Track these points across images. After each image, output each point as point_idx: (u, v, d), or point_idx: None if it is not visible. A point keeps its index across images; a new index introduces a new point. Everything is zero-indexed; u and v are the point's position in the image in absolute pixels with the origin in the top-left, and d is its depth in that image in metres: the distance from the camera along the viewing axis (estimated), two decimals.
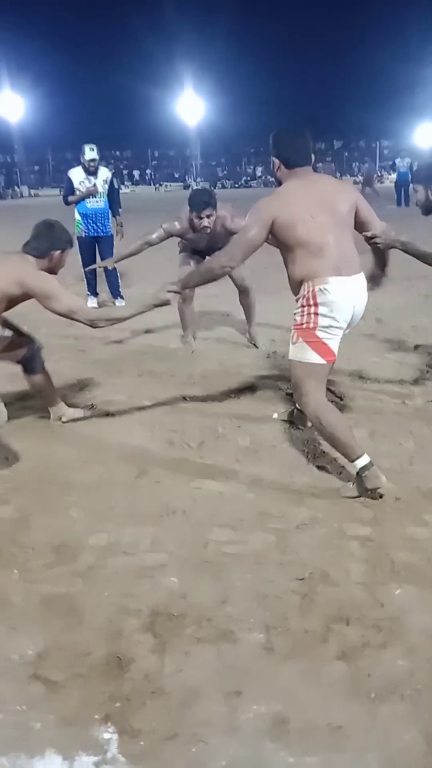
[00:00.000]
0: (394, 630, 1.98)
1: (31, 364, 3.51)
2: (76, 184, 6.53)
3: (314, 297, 2.66)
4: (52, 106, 48.62)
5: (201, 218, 4.29)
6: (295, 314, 2.77)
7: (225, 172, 54.13)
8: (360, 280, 2.78)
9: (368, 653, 1.90)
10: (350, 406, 3.74)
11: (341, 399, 3.78)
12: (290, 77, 61.84)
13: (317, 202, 2.71)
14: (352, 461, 2.69)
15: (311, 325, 2.69)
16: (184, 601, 2.15)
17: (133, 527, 2.58)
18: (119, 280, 6.80)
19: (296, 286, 2.77)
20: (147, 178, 51.81)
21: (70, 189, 6.57)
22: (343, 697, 1.75)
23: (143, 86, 50.48)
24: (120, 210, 6.77)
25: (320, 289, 2.65)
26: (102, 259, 6.29)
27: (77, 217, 6.62)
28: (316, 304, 2.67)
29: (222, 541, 2.48)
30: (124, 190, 41.93)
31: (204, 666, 1.87)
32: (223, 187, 44.91)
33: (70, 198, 6.57)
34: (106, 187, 6.59)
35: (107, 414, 3.75)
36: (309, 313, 2.69)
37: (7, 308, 3.17)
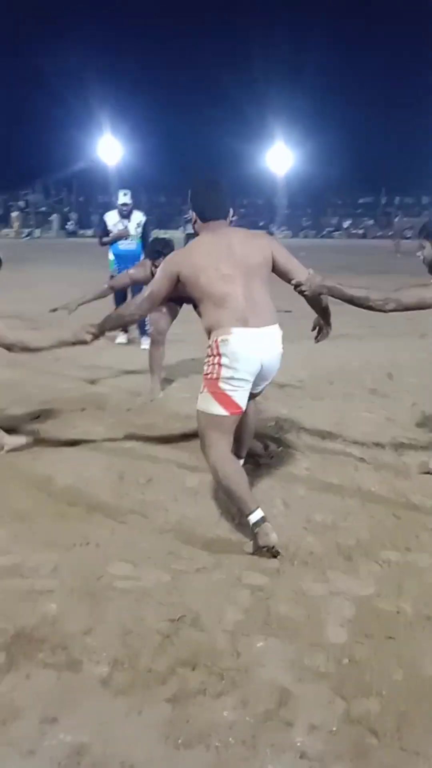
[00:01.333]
0: (236, 681, 1.96)
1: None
2: (110, 226, 6.88)
3: (217, 347, 2.68)
4: (147, 152, 50.93)
5: (156, 266, 4.45)
6: (204, 363, 2.79)
7: (309, 222, 54.67)
8: (269, 332, 2.76)
9: (199, 700, 1.89)
10: (305, 454, 3.72)
11: (270, 456, 3.72)
12: (377, 129, 62.12)
13: (224, 254, 2.73)
14: (246, 516, 2.65)
15: (215, 375, 2.70)
16: (51, 627, 2.20)
17: (42, 553, 2.67)
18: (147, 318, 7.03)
19: (207, 336, 2.79)
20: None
21: (104, 231, 6.94)
22: (153, 739, 1.75)
23: (234, 139, 52.27)
24: None
25: (222, 340, 2.67)
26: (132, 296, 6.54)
27: (111, 257, 6.98)
28: (219, 354, 2.68)
29: (117, 575, 2.53)
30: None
31: (37, 689, 1.92)
32: (306, 236, 45.39)
33: (104, 239, 6.92)
34: (139, 230, 6.89)
35: (65, 444, 3.87)
36: (213, 363, 2.70)
37: None
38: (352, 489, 3.32)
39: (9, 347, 3.32)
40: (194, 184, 2.93)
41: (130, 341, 7.24)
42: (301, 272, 2.87)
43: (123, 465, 3.58)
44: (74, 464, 3.58)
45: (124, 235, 6.79)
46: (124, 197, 6.73)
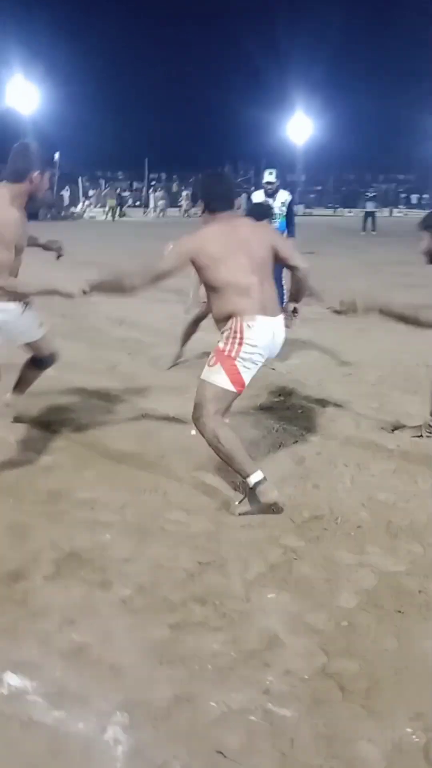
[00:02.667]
0: (235, 621, 2.16)
1: (45, 363, 3.61)
2: None
3: (241, 330, 2.80)
4: (337, 129, 49.88)
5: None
6: (219, 342, 2.88)
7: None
8: (279, 321, 2.96)
9: (197, 630, 2.11)
10: (388, 437, 3.70)
11: None
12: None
13: (238, 245, 2.84)
14: (247, 477, 2.77)
15: (233, 353, 2.80)
16: (100, 552, 2.56)
17: (116, 492, 3.03)
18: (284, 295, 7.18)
19: (222, 320, 2.90)
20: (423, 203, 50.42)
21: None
22: (143, 653, 2.01)
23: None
24: (295, 231, 7.14)
25: (248, 325, 2.80)
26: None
27: None
28: (242, 337, 2.80)
29: (171, 519, 2.81)
30: (396, 214, 42.05)
31: (69, 597, 2.27)
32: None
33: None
34: (284, 209, 6.98)
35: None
36: (234, 343, 2.80)
37: None
38: (426, 473, 3.27)
39: None
40: (202, 178, 3.09)
41: None
42: (297, 259, 3.02)
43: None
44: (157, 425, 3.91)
45: None
46: (269, 176, 6.86)
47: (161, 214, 31.96)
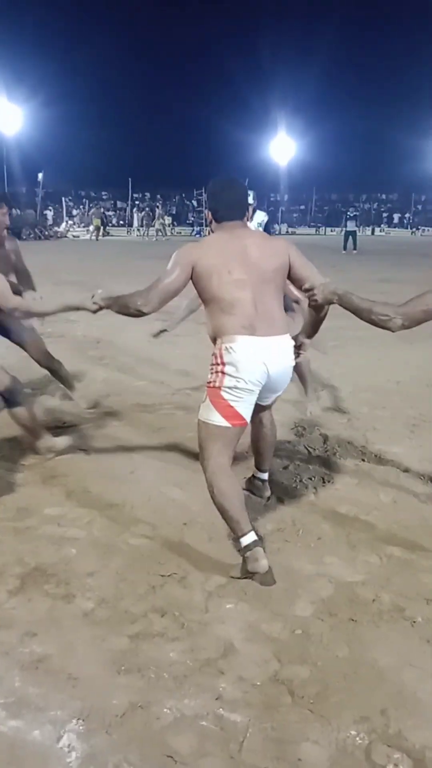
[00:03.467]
0: (193, 631, 2.22)
1: (13, 396, 3.44)
2: None
3: (221, 355, 2.57)
4: (321, 150, 50.68)
5: None
6: (208, 372, 2.66)
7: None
8: (277, 342, 2.62)
9: (155, 641, 2.17)
10: (352, 452, 3.79)
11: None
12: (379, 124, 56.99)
13: (238, 257, 2.60)
14: (238, 538, 2.54)
15: (217, 383, 2.57)
16: (64, 566, 2.61)
17: (84, 509, 3.09)
18: None
19: (212, 341, 2.67)
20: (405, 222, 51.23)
21: None
22: (102, 663, 2.07)
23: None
24: None
25: (226, 348, 2.55)
26: None
27: None
28: (222, 363, 2.56)
29: (136, 533, 2.87)
30: (378, 233, 42.75)
31: (32, 610, 2.32)
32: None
33: None
34: (260, 229, 7.15)
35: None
36: (216, 372, 2.59)
37: None
38: (389, 487, 3.36)
39: (11, 311, 3.17)
40: (211, 183, 2.83)
41: None
42: (317, 279, 2.66)
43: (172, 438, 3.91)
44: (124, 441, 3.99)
45: None
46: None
47: (159, 233, 32.21)
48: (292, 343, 2.74)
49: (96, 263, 16.40)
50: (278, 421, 4.07)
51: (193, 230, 37.82)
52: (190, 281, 2.64)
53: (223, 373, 2.57)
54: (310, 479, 3.46)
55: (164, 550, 2.74)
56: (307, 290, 2.67)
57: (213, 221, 2.80)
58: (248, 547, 2.50)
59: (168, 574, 2.55)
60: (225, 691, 1.94)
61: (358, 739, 1.77)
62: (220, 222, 2.76)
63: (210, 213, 2.82)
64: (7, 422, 3.72)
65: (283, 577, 2.54)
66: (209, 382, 2.63)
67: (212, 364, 2.63)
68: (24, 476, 3.45)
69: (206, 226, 2.97)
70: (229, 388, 2.57)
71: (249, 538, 2.52)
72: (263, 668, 2.04)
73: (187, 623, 2.26)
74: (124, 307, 2.70)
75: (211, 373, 2.63)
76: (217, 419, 2.58)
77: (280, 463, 3.66)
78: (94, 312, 2.91)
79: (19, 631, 2.20)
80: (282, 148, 44.15)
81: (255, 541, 2.52)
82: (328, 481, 3.44)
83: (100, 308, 2.87)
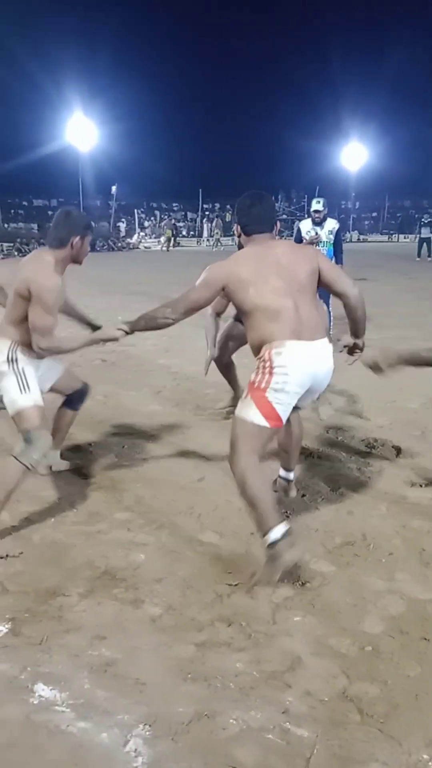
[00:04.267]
0: (260, 642, 2.20)
1: (77, 401, 3.52)
2: (303, 234, 7.18)
3: (270, 359, 2.61)
4: (391, 156, 49.81)
5: None
6: (252, 373, 2.70)
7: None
8: (321, 346, 2.69)
9: (222, 650, 2.17)
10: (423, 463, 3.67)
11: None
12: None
13: (272, 267, 2.68)
14: (264, 534, 2.50)
15: (263, 384, 2.61)
16: (132, 571, 2.64)
17: (153, 515, 3.13)
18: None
19: (256, 349, 2.73)
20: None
21: (298, 238, 7.26)
22: (168, 669, 2.08)
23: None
24: (343, 258, 7.20)
25: (277, 352, 2.61)
26: None
27: None
28: (272, 366, 2.60)
29: (203, 541, 2.88)
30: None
31: (101, 614, 2.36)
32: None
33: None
34: (332, 237, 7.09)
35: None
36: (264, 373, 2.62)
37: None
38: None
39: (41, 349, 2.95)
40: (240, 199, 2.87)
41: None
42: (346, 282, 2.81)
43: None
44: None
45: (315, 241, 7.04)
46: (317, 205, 6.99)
47: (216, 244, 32.62)
48: (331, 346, 2.79)
49: (164, 274, 16.66)
50: (348, 435, 4.01)
51: None
52: (223, 294, 2.79)
53: (271, 374, 2.61)
54: (385, 493, 3.37)
55: (231, 559, 2.73)
56: (348, 349, 2.99)
57: (242, 235, 2.89)
58: (277, 541, 2.46)
59: (235, 584, 2.54)
60: (291, 705, 1.91)
61: (430, 763, 1.70)
62: (249, 235, 2.85)
63: (239, 227, 2.89)
64: (80, 429, 3.83)
65: (353, 592, 2.48)
66: (253, 382, 2.66)
67: (259, 367, 2.67)
68: (96, 481, 3.52)
69: (236, 239, 3.05)
70: (276, 390, 2.61)
71: (277, 532, 2.47)
72: (331, 684, 2.00)
73: (254, 634, 2.24)
74: (152, 320, 2.87)
75: (257, 372, 2.66)
76: (257, 418, 2.61)
77: (352, 476, 3.59)
78: (119, 338, 3.09)
79: (89, 634, 2.24)
80: (353, 155, 43.64)
81: (286, 532, 2.48)
82: (401, 495, 3.35)
83: (127, 333, 3.03)
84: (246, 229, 2.85)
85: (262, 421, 2.61)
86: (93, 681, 2.02)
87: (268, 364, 2.62)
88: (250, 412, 2.62)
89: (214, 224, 35.24)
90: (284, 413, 2.66)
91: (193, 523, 3.05)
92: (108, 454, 3.91)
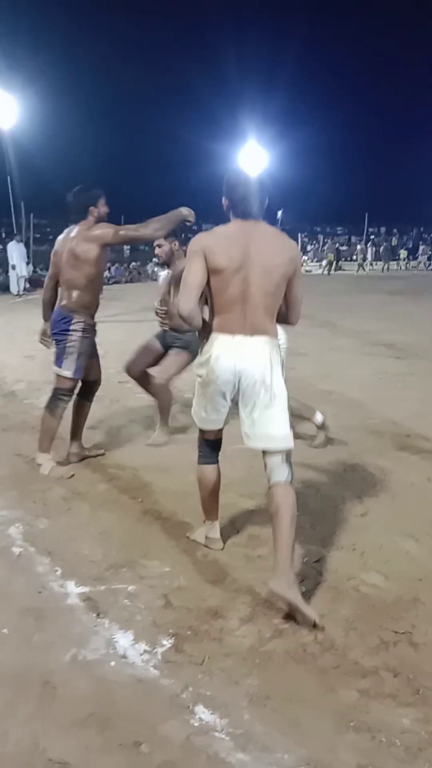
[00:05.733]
0: (429, 700, 2.04)
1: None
2: None
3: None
4: None
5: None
6: None
7: None
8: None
9: (386, 702, 2.04)
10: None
11: None
12: None
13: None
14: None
15: None
16: None
17: (314, 546, 3.06)
18: None
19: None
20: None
21: None
22: (329, 714, 2.00)
23: None
24: None
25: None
26: None
27: None
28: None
29: (367, 582, 2.76)
30: None
31: (256, 643, 2.34)
32: None
33: None
34: None
35: None
36: None
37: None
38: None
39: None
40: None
41: None
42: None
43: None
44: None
45: None
46: None
47: (385, 268, 31.94)
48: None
49: (324, 297, 16.53)
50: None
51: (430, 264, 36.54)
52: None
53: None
54: None
55: (397, 604, 2.59)
56: None
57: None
58: None
59: (402, 632, 2.40)
60: None
61: None
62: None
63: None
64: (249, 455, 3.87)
65: None
66: None
67: None
68: (256, 504, 3.51)
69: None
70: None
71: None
72: None
73: (423, 690, 2.09)
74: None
75: None
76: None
77: None
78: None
79: (248, 661, 2.22)
80: None
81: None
82: None
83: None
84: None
85: None
86: (252, 712, 1.99)
87: None
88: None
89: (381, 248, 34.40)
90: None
91: (355, 561, 2.94)
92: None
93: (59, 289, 3.98)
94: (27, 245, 20.89)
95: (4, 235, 29.83)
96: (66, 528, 3.22)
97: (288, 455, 2.69)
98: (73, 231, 3.87)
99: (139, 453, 4.40)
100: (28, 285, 19.31)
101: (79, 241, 3.77)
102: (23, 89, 23.99)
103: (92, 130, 56.43)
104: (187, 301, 2.62)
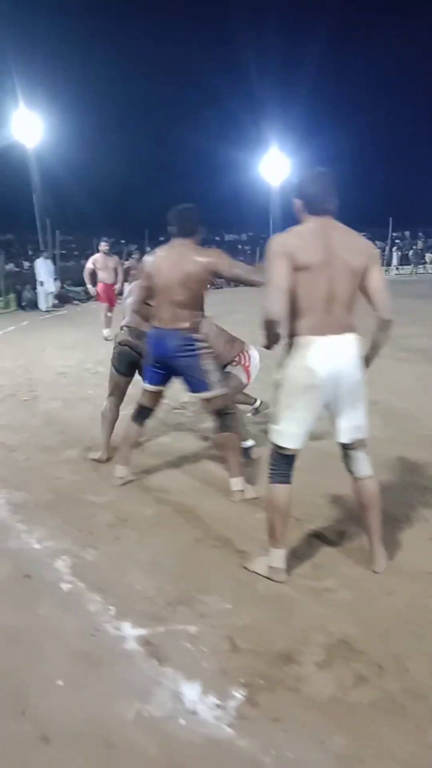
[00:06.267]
0: None
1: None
2: None
3: None
4: None
5: None
6: None
7: None
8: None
9: None
10: None
11: None
12: None
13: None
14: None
15: None
16: (368, 643, 2.34)
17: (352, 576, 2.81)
18: None
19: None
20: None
21: None
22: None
23: None
24: None
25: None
26: None
27: None
28: None
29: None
30: None
31: (333, 690, 2.09)
32: None
33: None
34: None
35: None
36: None
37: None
38: None
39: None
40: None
41: None
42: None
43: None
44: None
45: None
46: None
47: (413, 273, 31.51)
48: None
49: None
50: None
51: None
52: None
53: None
54: None
55: None
56: None
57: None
58: None
59: None
60: None
61: None
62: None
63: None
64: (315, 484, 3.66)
65: None
66: None
67: None
68: (315, 527, 3.27)
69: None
70: None
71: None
72: None
73: None
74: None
75: None
76: None
77: None
78: None
79: (332, 716, 1.99)
80: None
81: None
82: None
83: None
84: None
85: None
86: None
87: None
88: None
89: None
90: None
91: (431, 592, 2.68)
92: (337, 503, 3.64)
93: (161, 310, 3.66)
94: (54, 262, 20.93)
95: (31, 252, 30.02)
96: (116, 559, 3.01)
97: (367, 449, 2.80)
98: (177, 250, 3.61)
99: (182, 474, 4.18)
100: (56, 301, 19.34)
101: (193, 262, 3.53)
102: (46, 107, 24.22)
103: (114, 145, 56.89)
104: (277, 304, 2.50)
